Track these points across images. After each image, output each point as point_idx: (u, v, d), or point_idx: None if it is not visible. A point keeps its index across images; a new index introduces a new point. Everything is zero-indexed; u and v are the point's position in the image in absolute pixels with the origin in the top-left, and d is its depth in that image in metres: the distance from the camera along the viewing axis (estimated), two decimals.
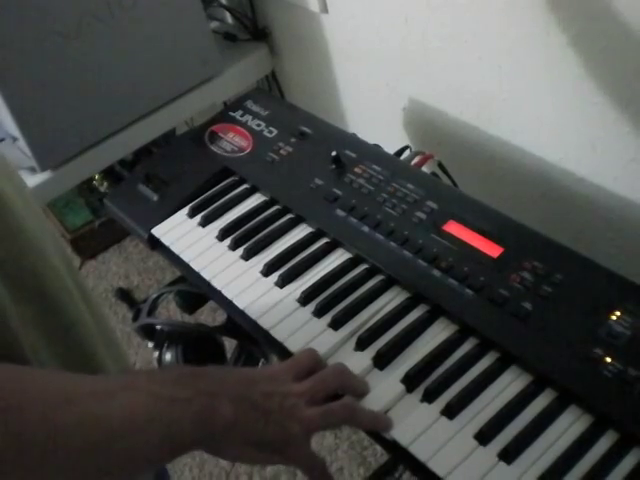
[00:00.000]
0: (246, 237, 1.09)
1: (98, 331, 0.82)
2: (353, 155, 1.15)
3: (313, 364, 0.82)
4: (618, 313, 0.86)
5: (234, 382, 0.72)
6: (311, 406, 0.75)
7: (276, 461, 0.74)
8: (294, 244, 1.06)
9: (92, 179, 2.32)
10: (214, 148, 1.25)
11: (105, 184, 2.36)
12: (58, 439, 0.57)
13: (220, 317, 2.11)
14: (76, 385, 0.63)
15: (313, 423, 0.74)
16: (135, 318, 1.26)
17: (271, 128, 1.25)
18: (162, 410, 0.64)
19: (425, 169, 1.25)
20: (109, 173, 2.32)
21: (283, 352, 0.93)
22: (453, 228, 1.00)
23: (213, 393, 0.68)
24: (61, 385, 0.62)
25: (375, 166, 1.12)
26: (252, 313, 0.98)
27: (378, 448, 1.88)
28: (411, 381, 0.86)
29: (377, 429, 0.82)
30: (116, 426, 0.61)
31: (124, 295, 2.42)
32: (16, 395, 0.57)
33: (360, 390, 0.85)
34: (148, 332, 1.25)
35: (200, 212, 1.15)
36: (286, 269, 1.03)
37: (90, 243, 2.60)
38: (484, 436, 0.79)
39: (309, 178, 1.13)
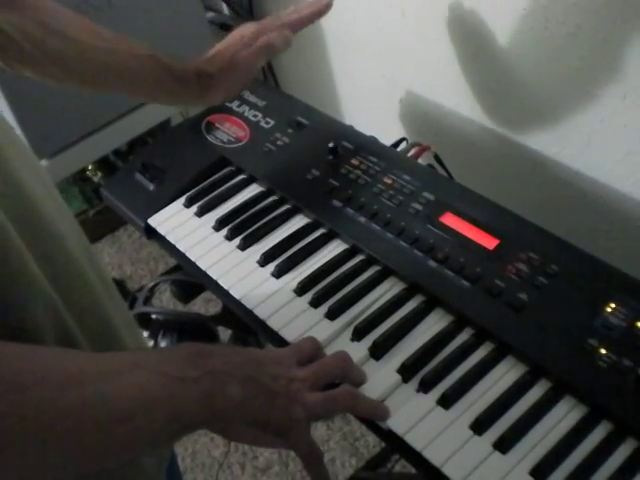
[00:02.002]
0: (242, 227, 1.09)
1: (117, 314, 0.82)
2: (350, 146, 1.15)
3: (314, 351, 0.82)
4: (613, 305, 0.87)
5: (242, 362, 0.71)
6: (313, 392, 0.75)
7: (278, 444, 0.74)
8: (291, 234, 1.07)
9: (86, 169, 2.31)
10: (211, 138, 1.25)
11: (99, 174, 2.35)
12: (65, 420, 0.57)
13: (213, 308, 2.12)
14: (83, 364, 0.62)
15: (316, 409, 0.74)
16: (131, 306, 1.26)
17: (268, 119, 1.25)
18: (171, 389, 0.64)
19: (421, 161, 1.25)
20: (103, 163, 2.31)
21: (279, 342, 0.93)
22: (449, 219, 1.01)
23: (222, 372, 0.68)
24: (68, 364, 0.61)
25: (372, 157, 1.12)
26: (248, 303, 0.98)
27: (370, 439, 1.89)
28: (407, 371, 0.86)
29: (375, 417, 0.83)
30: (124, 406, 0.61)
31: (118, 285, 2.41)
32: (22, 375, 0.56)
33: (359, 379, 0.85)
34: (143, 321, 1.25)
35: (197, 202, 1.15)
36: (282, 259, 1.03)
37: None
38: (479, 426, 0.80)
39: (306, 169, 1.14)
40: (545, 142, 1.28)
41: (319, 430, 1.93)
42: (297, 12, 1.10)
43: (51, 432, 0.56)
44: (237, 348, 0.77)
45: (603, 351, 0.83)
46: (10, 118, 1.45)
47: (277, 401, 0.71)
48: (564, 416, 0.81)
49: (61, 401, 0.57)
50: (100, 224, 2.57)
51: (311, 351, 0.82)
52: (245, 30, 1.07)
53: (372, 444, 1.88)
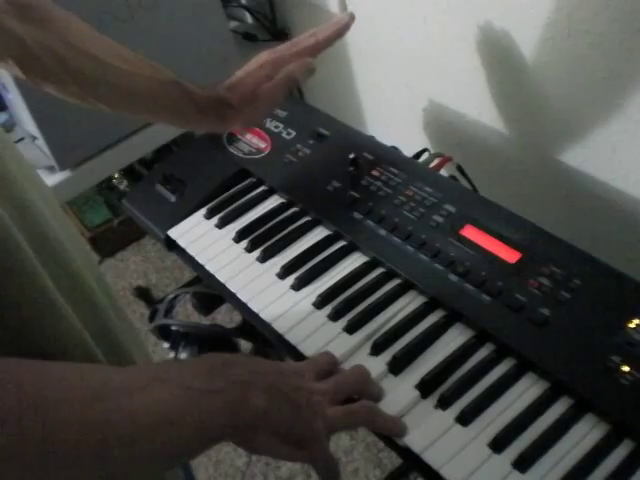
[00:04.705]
0: (263, 239, 1.09)
1: (127, 335, 0.82)
2: (371, 158, 1.14)
3: (331, 366, 0.83)
4: (636, 321, 0.85)
5: (266, 372, 0.71)
6: (332, 406, 0.75)
7: (299, 457, 0.73)
8: (311, 247, 1.06)
9: (112, 177, 2.33)
10: (232, 149, 1.25)
11: (125, 182, 2.37)
12: (88, 436, 0.56)
13: (237, 317, 2.12)
14: (105, 379, 0.62)
15: (335, 422, 0.74)
16: (152, 319, 1.26)
17: (289, 130, 1.24)
18: (195, 403, 0.64)
19: (444, 172, 1.24)
20: (129, 172, 2.33)
21: (298, 356, 0.92)
22: (471, 232, 0.99)
23: (246, 382, 0.68)
24: (90, 380, 0.61)
25: (393, 169, 1.11)
26: (267, 316, 0.97)
27: None
28: (426, 387, 0.85)
29: (392, 434, 0.82)
30: (148, 421, 0.60)
31: (142, 293, 2.42)
32: (45, 392, 0.56)
33: (376, 394, 0.84)
34: (164, 333, 1.25)
35: (217, 214, 1.15)
36: (302, 272, 1.02)
37: (109, 241, 2.61)
38: (498, 444, 0.78)
39: (327, 180, 1.13)
40: (570, 152, 1.27)
41: (343, 440, 1.92)
42: (314, 35, 1.08)
43: (75, 449, 0.56)
44: (258, 358, 0.76)
45: (626, 368, 0.81)
46: (34, 129, 1.46)
47: (299, 412, 0.71)
48: (585, 434, 0.79)
49: (84, 418, 0.57)
50: (125, 233, 2.59)
51: (328, 366, 0.83)
52: (264, 59, 1.06)
53: (396, 455, 1.86)
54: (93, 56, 0.93)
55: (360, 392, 0.82)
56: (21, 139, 1.56)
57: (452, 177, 1.24)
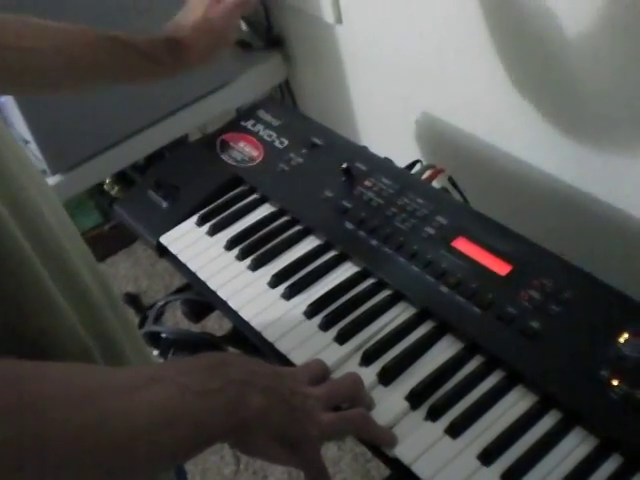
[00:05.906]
0: (254, 247, 1.08)
1: (125, 334, 0.82)
2: (363, 168, 1.14)
3: (323, 373, 0.82)
4: (627, 335, 0.85)
5: (263, 373, 0.71)
6: (326, 411, 0.74)
7: (291, 461, 0.72)
8: (302, 256, 1.06)
9: (103, 183, 2.32)
10: (225, 157, 1.25)
11: (116, 188, 2.36)
12: (81, 438, 0.56)
13: (227, 325, 2.11)
14: (99, 380, 0.61)
15: (329, 428, 0.73)
16: (141, 325, 1.25)
17: (282, 139, 1.24)
18: (192, 403, 0.63)
19: (435, 184, 1.24)
20: (120, 177, 2.32)
21: (287, 365, 0.92)
22: (462, 244, 0.99)
23: (244, 382, 0.67)
24: (83, 381, 0.60)
25: (385, 179, 1.11)
26: (257, 325, 0.97)
27: None
28: (416, 398, 0.85)
29: (383, 444, 0.82)
30: (143, 422, 0.60)
31: (132, 300, 2.41)
32: (36, 393, 0.55)
33: (368, 402, 0.84)
34: (154, 339, 1.24)
35: (209, 221, 1.15)
36: (293, 281, 1.02)
37: (99, 246, 2.59)
38: (488, 456, 0.78)
39: (319, 190, 1.13)
40: (562, 167, 1.27)
41: (330, 450, 1.91)
42: None
43: (69, 450, 0.55)
44: (255, 359, 0.75)
45: (615, 382, 0.81)
46: (26, 133, 1.46)
47: (295, 414, 0.71)
48: (574, 448, 0.79)
49: (79, 418, 0.56)
50: (116, 238, 2.58)
51: (320, 372, 0.82)
52: None
53: (383, 466, 1.85)
54: (17, 48, 0.89)
55: (353, 399, 0.82)
56: None
57: (444, 189, 1.24)
